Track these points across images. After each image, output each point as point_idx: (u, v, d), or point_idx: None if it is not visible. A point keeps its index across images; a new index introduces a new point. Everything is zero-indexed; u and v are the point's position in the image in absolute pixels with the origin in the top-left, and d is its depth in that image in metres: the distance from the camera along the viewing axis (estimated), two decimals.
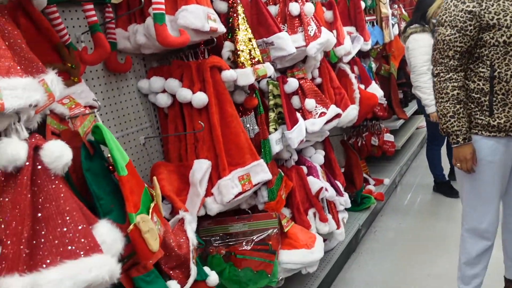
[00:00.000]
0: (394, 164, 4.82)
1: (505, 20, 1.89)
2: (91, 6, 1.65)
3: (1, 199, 1.10)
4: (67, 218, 1.14)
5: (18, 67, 1.13)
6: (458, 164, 2.09)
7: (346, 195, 3.11)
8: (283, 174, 2.50)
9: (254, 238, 2.24)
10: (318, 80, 3.05)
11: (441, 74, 2.04)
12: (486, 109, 2.01)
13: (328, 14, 3.39)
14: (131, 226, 1.31)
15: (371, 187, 4.02)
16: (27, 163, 1.10)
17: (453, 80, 2.01)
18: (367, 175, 4.19)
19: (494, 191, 2.12)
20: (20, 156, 1.09)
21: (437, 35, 2.07)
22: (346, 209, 3.22)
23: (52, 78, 1.23)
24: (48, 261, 1.08)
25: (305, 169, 2.73)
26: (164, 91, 2.05)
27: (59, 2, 1.57)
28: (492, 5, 1.91)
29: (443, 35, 2.01)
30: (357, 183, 3.65)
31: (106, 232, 1.23)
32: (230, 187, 1.99)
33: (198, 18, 1.81)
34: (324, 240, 2.71)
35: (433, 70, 2.10)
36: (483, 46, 1.97)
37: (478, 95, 2.02)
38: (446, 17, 2.00)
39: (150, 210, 1.45)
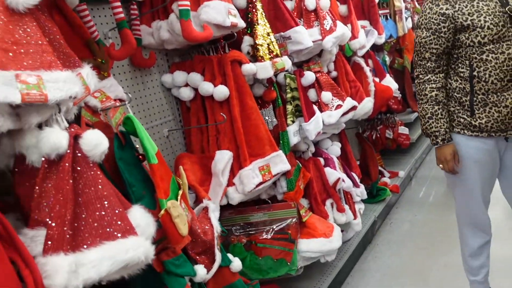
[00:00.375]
0: (409, 157, 4.85)
1: (479, 20, 1.89)
2: (119, 4, 1.72)
3: (45, 184, 1.18)
4: (105, 202, 1.21)
5: (58, 62, 1.21)
6: (440, 165, 2.08)
7: (362, 186, 3.17)
8: (301, 165, 2.56)
9: (274, 227, 2.31)
10: (334, 73, 3.10)
11: (420, 76, 2.05)
12: (468, 109, 1.99)
13: (342, 8, 3.43)
14: (162, 211, 1.38)
15: (386, 179, 4.06)
16: (68, 151, 1.18)
17: (432, 82, 2.01)
18: (382, 168, 4.23)
19: (482, 190, 2.10)
20: (62, 144, 1.16)
21: (415, 37, 2.08)
22: (362, 201, 3.27)
23: (87, 72, 1.31)
24: (89, 242, 1.16)
25: (322, 160, 2.79)
26: (186, 85, 2.13)
27: (89, 0, 1.64)
28: (466, 6, 1.91)
29: (420, 37, 2.02)
30: (373, 175, 3.69)
31: (140, 216, 1.30)
32: (251, 177, 2.05)
33: (219, 14, 1.87)
34: (342, 231, 2.77)
35: (414, 72, 2.11)
36: (460, 47, 1.96)
37: (460, 95, 2.01)
38: (422, 19, 2.01)
39: (179, 197, 1.52)
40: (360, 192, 3.07)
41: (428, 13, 1.98)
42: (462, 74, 1.98)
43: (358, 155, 4.01)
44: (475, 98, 1.97)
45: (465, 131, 2.03)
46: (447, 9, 1.93)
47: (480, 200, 2.13)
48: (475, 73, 1.94)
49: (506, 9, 1.88)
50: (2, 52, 1.05)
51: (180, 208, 1.45)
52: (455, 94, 2.02)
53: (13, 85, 1.04)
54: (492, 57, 1.89)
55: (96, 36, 1.69)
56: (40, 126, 1.21)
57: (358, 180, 3.16)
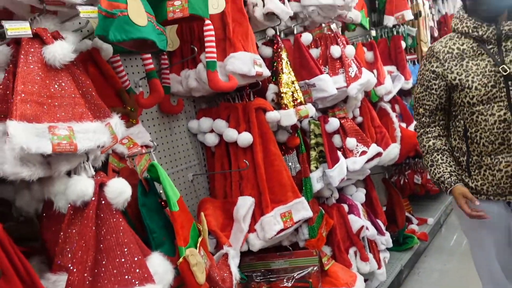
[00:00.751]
0: (439, 203, 4.72)
1: (467, 80, 1.81)
2: (149, 55, 1.82)
3: (69, 230, 1.23)
4: (125, 249, 1.25)
5: (89, 113, 1.28)
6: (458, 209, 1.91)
7: (387, 234, 3.10)
8: (324, 212, 2.55)
9: (294, 275, 2.28)
10: (359, 119, 3.11)
11: (417, 129, 2.03)
12: (465, 169, 1.91)
13: (369, 55, 3.49)
14: (181, 259, 1.40)
15: (414, 226, 3.95)
16: (93, 198, 1.23)
17: (428, 133, 1.96)
18: (410, 214, 4.13)
19: (498, 255, 1.94)
20: (88, 192, 1.22)
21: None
22: (388, 249, 3.19)
23: (116, 121, 1.38)
24: None
25: (346, 207, 2.76)
26: (212, 131, 2.19)
27: (122, 52, 1.74)
28: (456, 65, 1.85)
29: (415, 92, 2.01)
30: (399, 222, 3.61)
31: (158, 264, 1.33)
32: (272, 224, 2.06)
33: (245, 64, 1.95)
34: (365, 280, 2.70)
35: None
36: (455, 105, 1.90)
37: (458, 154, 1.93)
38: (418, 75, 2.00)
39: (198, 244, 1.54)
40: (385, 240, 3.00)
41: (422, 69, 1.96)
42: (459, 134, 1.92)
43: (385, 201, 3.94)
44: (470, 159, 1.88)
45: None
46: (437, 67, 1.89)
47: (497, 266, 1.95)
48: (468, 133, 1.87)
49: (500, 68, 1.77)
50: (37, 106, 1.13)
51: (198, 256, 1.46)
52: (455, 153, 1.95)
53: (46, 136, 1.11)
54: (481, 118, 1.81)
55: (127, 85, 1.79)
56: (69, 173, 1.28)
57: (383, 228, 3.10)
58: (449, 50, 1.88)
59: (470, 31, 1.84)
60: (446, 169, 1.89)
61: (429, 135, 1.96)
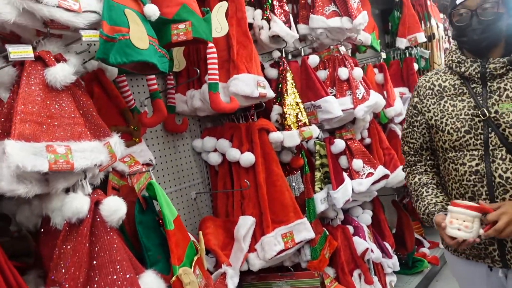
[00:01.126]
0: None
1: (441, 122, 1.61)
2: (153, 76, 1.87)
3: (64, 246, 1.27)
4: (118, 267, 1.27)
5: (88, 132, 1.33)
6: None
7: (395, 257, 3.05)
8: (327, 233, 2.54)
9: None
10: (368, 140, 3.10)
11: (403, 168, 1.84)
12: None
13: (379, 77, 3.50)
14: (174, 278, 1.42)
15: (425, 249, 3.88)
16: (88, 216, 1.27)
17: (413, 171, 1.76)
18: (421, 237, 4.05)
19: None
20: (83, 209, 1.26)
21: None
22: (397, 272, 3.14)
23: (115, 141, 1.42)
24: None
25: (351, 228, 2.74)
26: (215, 150, 2.22)
27: (127, 72, 1.80)
28: (434, 104, 1.65)
29: (402, 129, 1.84)
30: (408, 245, 3.55)
31: (151, 281, 1.35)
32: (272, 244, 2.06)
33: (248, 86, 1.98)
34: None
35: None
36: (436, 147, 1.70)
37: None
38: (406, 110, 1.83)
39: (193, 263, 1.56)
40: (392, 264, 2.96)
41: (409, 103, 1.78)
42: (442, 180, 1.73)
43: (395, 223, 3.89)
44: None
45: (449, 249, 1.73)
46: (417, 103, 1.71)
47: None
48: (443, 181, 1.70)
49: (479, 111, 1.53)
50: (36, 126, 1.18)
51: (192, 275, 1.48)
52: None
53: (43, 155, 1.15)
54: (452, 167, 1.60)
55: (133, 104, 1.84)
56: (67, 191, 1.32)
57: (391, 251, 3.06)
58: (431, 86, 1.69)
59: (454, 66, 1.64)
60: (431, 200, 1.62)
61: (415, 172, 1.75)
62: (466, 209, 1.44)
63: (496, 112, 1.51)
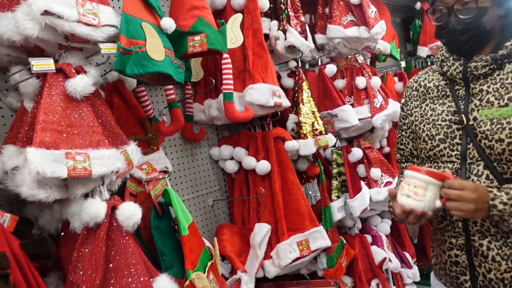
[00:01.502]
0: None
1: (419, 128, 1.43)
2: (171, 86, 1.93)
3: (82, 249, 1.32)
4: (132, 270, 1.32)
5: (106, 140, 1.39)
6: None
7: (415, 267, 3.01)
8: (345, 241, 2.53)
9: None
10: (387, 149, 3.09)
11: (398, 177, 1.65)
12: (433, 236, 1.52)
13: (399, 85, 3.48)
14: (187, 282, 1.46)
15: None
16: (105, 220, 1.32)
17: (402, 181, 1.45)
18: None
19: None
20: (100, 214, 1.31)
21: None
22: (418, 283, 3.09)
23: (132, 148, 1.48)
24: None
25: (369, 238, 2.73)
26: (232, 158, 2.26)
27: (146, 83, 1.87)
28: (416, 107, 1.47)
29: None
30: (430, 255, 3.49)
31: (165, 285, 1.40)
32: (288, 252, 2.08)
33: (263, 95, 2.02)
34: None
35: None
36: None
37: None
38: None
39: (207, 268, 1.59)
40: (412, 274, 2.92)
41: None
42: None
43: (417, 233, 3.83)
44: (434, 228, 1.51)
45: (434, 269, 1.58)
46: (403, 104, 1.55)
47: None
48: None
49: (457, 118, 1.33)
50: (57, 134, 1.25)
51: (205, 279, 1.51)
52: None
53: (62, 162, 1.21)
54: None
55: (151, 114, 1.90)
56: (86, 196, 1.38)
57: (411, 261, 3.02)
58: (417, 87, 1.51)
59: (438, 65, 1.44)
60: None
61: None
62: (418, 173, 1.21)
63: (474, 119, 1.30)
